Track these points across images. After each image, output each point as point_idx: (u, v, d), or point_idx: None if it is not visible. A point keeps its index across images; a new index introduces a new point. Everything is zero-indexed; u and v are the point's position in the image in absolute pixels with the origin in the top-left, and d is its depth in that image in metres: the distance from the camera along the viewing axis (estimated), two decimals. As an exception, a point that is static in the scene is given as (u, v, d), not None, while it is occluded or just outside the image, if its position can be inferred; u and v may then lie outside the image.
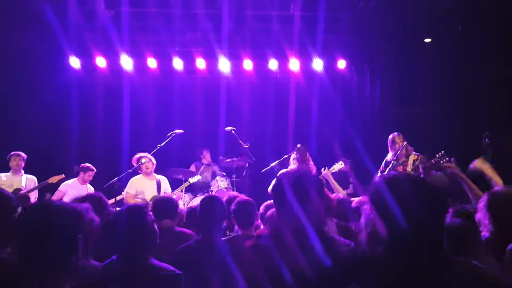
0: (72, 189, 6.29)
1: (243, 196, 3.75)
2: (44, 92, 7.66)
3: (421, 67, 7.57)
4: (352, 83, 8.37)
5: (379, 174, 5.81)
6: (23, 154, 6.27)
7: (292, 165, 5.86)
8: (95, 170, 6.46)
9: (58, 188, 6.41)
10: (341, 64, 8.24)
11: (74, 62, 7.98)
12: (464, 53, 7.00)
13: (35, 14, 6.71)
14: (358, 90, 8.37)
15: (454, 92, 7.17)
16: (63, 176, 6.26)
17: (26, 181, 6.24)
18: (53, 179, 6.22)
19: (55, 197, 6.42)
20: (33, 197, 6.16)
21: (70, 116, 7.91)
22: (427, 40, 7.78)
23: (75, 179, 6.44)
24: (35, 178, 6.33)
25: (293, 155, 5.86)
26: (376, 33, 7.69)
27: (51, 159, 5.95)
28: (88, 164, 6.46)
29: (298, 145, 6.20)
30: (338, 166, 5.80)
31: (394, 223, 1.34)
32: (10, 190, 5.73)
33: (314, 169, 5.80)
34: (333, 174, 5.65)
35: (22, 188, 6.07)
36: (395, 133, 5.78)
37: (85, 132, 8.04)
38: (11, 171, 6.22)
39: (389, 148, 5.81)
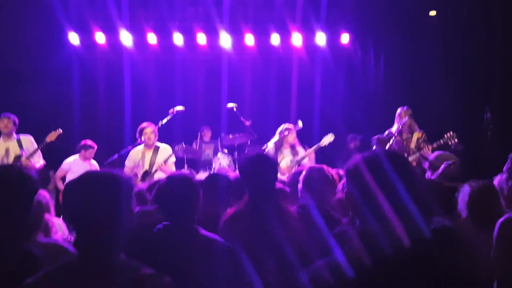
0: (75, 166, 6.29)
1: None
2: (44, 69, 7.61)
3: (426, 41, 7.43)
4: (355, 58, 8.23)
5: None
6: (12, 116, 5.74)
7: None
8: (96, 147, 6.44)
9: (61, 166, 6.43)
10: (345, 38, 8.07)
11: (73, 38, 7.88)
12: (469, 27, 6.86)
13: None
14: (362, 65, 8.23)
15: (458, 66, 7.06)
16: (60, 131, 5.80)
17: (23, 143, 5.74)
18: (51, 137, 5.77)
19: (58, 174, 6.45)
20: (38, 160, 5.80)
21: (70, 93, 7.87)
22: (432, 13, 7.61)
23: (77, 156, 6.43)
24: (30, 137, 5.86)
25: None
26: (380, 6, 7.52)
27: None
28: (88, 142, 6.43)
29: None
30: (328, 139, 5.79)
31: (370, 197, 1.34)
32: (5, 157, 5.57)
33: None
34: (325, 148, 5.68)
35: (23, 154, 5.65)
36: (405, 107, 5.71)
37: (87, 108, 7.99)
38: (1, 136, 5.75)
39: (395, 120, 5.77)
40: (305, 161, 5.71)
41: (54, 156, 6.16)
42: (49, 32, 7.73)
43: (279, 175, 5.37)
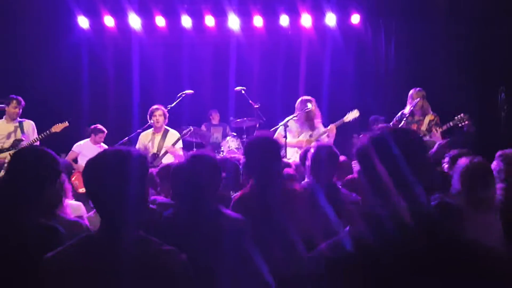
0: (86, 149, 6.37)
1: None
2: (54, 53, 7.67)
3: (437, 22, 7.27)
4: (366, 39, 8.08)
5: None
6: (20, 99, 5.65)
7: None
8: (106, 132, 6.49)
9: (72, 149, 6.50)
10: (355, 19, 7.93)
11: (83, 22, 7.90)
12: (481, 7, 6.68)
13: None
14: (373, 46, 8.09)
15: (469, 50, 6.92)
16: (66, 124, 5.81)
17: (25, 127, 5.68)
18: (56, 128, 5.74)
19: (70, 156, 6.53)
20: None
21: (80, 77, 7.93)
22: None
23: (88, 139, 6.50)
24: (32, 123, 5.83)
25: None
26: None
27: (62, 120, 5.91)
28: (99, 126, 6.49)
29: (309, 104, 6.06)
30: (352, 115, 5.58)
31: (376, 178, 1.34)
32: (6, 140, 5.56)
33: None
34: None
35: (23, 139, 5.62)
36: (417, 88, 5.59)
37: (96, 92, 8.06)
38: (4, 117, 5.65)
39: (407, 102, 5.66)
40: (323, 137, 5.49)
41: (64, 139, 6.20)
42: (59, 16, 7.76)
43: (297, 151, 5.34)
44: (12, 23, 7.31)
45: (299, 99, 5.68)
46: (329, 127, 5.50)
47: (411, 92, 5.63)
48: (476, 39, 7.04)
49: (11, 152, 5.30)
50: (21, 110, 5.68)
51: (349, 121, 5.62)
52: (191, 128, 6.21)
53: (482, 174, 2.62)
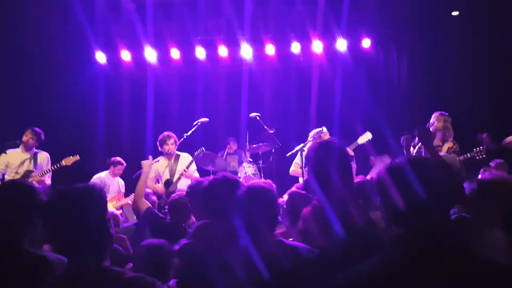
0: (104, 181, 6.47)
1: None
2: (72, 87, 7.92)
3: (449, 42, 7.27)
4: (378, 62, 8.14)
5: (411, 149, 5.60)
6: (39, 131, 5.71)
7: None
8: (125, 165, 6.59)
9: (91, 181, 6.61)
10: (366, 43, 8.01)
11: (100, 56, 8.18)
12: (493, 26, 6.67)
13: (64, 10, 6.89)
14: (384, 68, 8.13)
15: (483, 66, 6.87)
16: (77, 157, 5.79)
17: (38, 159, 5.73)
18: (67, 161, 5.72)
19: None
20: (46, 180, 5.79)
21: (96, 109, 8.10)
22: (455, 13, 7.45)
23: (107, 171, 6.60)
24: (47, 155, 5.88)
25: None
26: (401, 8, 7.42)
27: (78, 152, 6.01)
28: (118, 158, 6.59)
29: (324, 128, 6.11)
30: (365, 137, 5.63)
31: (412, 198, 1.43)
32: (19, 169, 5.64)
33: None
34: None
35: (34, 170, 5.65)
36: (442, 112, 5.21)
37: (112, 124, 8.23)
38: (21, 146, 5.68)
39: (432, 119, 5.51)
40: None
41: (80, 171, 6.33)
42: (77, 52, 8.05)
43: None
44: (33, 57, 7.59)
45: (313, 132, 5.73)
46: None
47: (434, 115, 5.42)
48: (490, 58, 6.99)
49: None
50: (37, 142, 5.75)
51: (364, 144, 5.63)
52: (203, 148, 6.20)
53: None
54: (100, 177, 6.55)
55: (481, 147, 5.08)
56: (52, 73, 7.82)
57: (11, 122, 6.76)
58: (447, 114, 5.29)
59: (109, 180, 6.49)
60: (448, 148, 5.32)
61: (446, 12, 7.42)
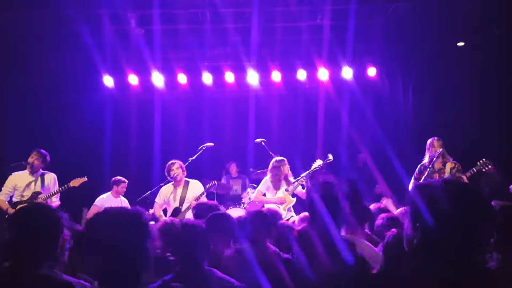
0: (107, 203, 6.41)
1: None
2: (80, 110, 7.98)
3: (455, 72, 7.33)
4: (383, 91, 8.19)
5: (412, 180, 5.65)
6: (44, 153, 5.75)
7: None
8: (127, 181, 6.57)
9: (94, 203, 6.56)
10: (372, 71, 8.09)
11: (108, 80, 8.25)
12: (498, 57, 6.74)
13: (72, 36, 7.01)
14: (390, 97, 8.18)
15: (489, 96, 6.91)
16: (85, 179, 5.87)
17: (45, 180, 5.77)
18: (75, 182, 5.79)
19: (92, 211, 6.59)
20: (55, 200, 5.87)
21: (104, 133, 8.15)
22: (460, 44, 7.54)
23: (109, 193, 6.58)
24: (54, 176, 5.92)
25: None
26: (407, 38, 7.52)
27: (85, 174, 6.03)
28: (119, 177, 6.58)
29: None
30: (318, 162, 5.93)
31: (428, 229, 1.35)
32: (25, 191, 5.67)
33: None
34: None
35: (42, 192, 5.71)
36: (435, 138, 5.60)
37: (119, 147, 8.27)
38: (28, 167, 5.71)
39: (426, 150, 5.65)
40: (299, 189, 5.84)
41: (87, 193, 6.31)
42: (86, 76, 8.13)
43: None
44: (42, 80, 7.68)
45: (273, 160, 6.02)
46: (298, 179, 5.86)
47: (430, 141, 5.63)
48: (495, 88, 7.02)
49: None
50: (43, 163, 5.77)
51: (318, 168, 5.78)
52: (215, 182, 6.24)
53: None
54: (102, 198, 6.53)
55: (484, 159, 5.10)
56: (60, 96, 7.90)
57: (20, 144, 6.79)
58: (438, 138, 5.58)
59: (110, 201, 6.44)
60: (451, 168, 5.37)
61: (451, 43, 7.50)
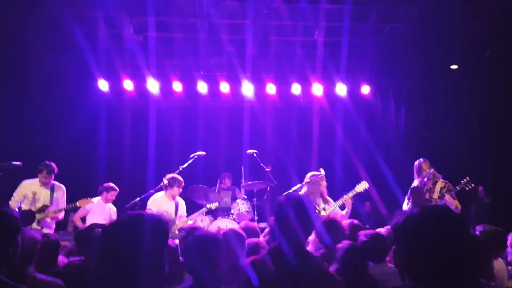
0: (96, 207, 6.34)
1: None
2: (74, 114, 7.91)
3: (447, 93, 7.48)
4: (376, 109, 8.32)
5: (406, 201, 5.65)
6: (53, 166, 5.79)
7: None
8: (118, 190, 6.51)
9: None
10: (365, 89, 8.21)
11: (103, 85, 8.21)
12: (491, 79, 6.90)
13: (67, 38, 6.99)
14: (383, 115, 8.31)
15: (481, 118, 7.05)
16: (92, 200, 6.10)
17: (55, 192, 5.85)
18: (82, 203, 5.97)
19: (79, 214, 6.49)
20: (61, 213, 5.92)
21: (98, 137, 8.09)
22: (454, 66, 7.71)
23: (99, 197, 6.50)
24: (63, 188, 6.01)
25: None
26: (401, 59, 7.67)
27: (79, 178, 6.00)
28: (111, 184, 6.52)
29: (321, 170, 6.10)
30: (362, 186, 5.44)
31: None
32: (35, 202, 5.71)
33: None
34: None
35: (50, 205, 5.80)
36: (421, 159, 5.56)
37: (112, 152, 8.20)
38: (38, 178, 5.78)
39: (415, 174, 5.59)
40: (337, 210, 5.33)
41: (80, 196, 6.24)
42: (80, 79, 8.09)
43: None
44: (37, 83, 7.62)
45: (309, 174, 5.50)
46: (343, 198, 5.32)
47: (416, 163, 5.57)
48: (487, 110, 7.16)
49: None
50: (53, 176, 5.81)
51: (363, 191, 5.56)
52: (217, 204, 6.42)
53: None
54: (91, 203, 6.44)
55: (467, 177, 5.17)
56: (54, 97, 7.83)
57: (13, 148, 6.69)
58: (426, 159, 5.55)
59: (99, 206, 6.36)
60: (441, 188, 5.40)
61: (445, 65, 7.66)
